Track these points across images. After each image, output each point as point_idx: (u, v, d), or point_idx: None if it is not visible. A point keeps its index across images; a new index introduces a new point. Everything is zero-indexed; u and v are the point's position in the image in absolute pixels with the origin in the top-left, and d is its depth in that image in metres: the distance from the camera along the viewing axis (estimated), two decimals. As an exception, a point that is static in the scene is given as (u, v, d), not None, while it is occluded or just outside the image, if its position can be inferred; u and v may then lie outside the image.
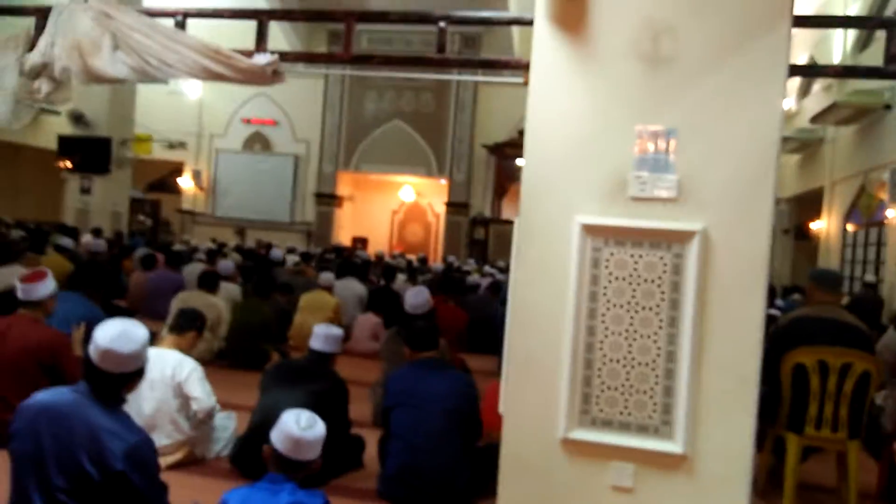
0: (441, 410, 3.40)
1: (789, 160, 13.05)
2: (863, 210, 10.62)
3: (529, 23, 2.62)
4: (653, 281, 2.34)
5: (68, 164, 12.33)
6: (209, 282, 6.42)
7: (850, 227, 11.13)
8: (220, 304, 6.28)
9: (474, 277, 9.99)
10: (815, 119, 10.87)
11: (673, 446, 2.32)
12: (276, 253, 10.59)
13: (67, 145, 12.36)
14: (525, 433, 2.45)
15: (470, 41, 14.79)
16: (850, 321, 3.74)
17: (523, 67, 3.91)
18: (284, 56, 4.59)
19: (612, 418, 2.38)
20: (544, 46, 2.47)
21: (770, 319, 3.63)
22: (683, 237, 2.31)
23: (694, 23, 2.34)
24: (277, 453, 2.46)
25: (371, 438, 3.85)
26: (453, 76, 11.79)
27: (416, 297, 4.88)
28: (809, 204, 12.28)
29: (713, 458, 2.31)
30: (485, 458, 3.34)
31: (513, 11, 9.95)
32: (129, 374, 2.42)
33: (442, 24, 4.57)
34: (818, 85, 11.43)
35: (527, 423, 2.45)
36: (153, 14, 4.75)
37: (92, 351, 2.37)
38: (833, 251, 11.48)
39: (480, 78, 12.19)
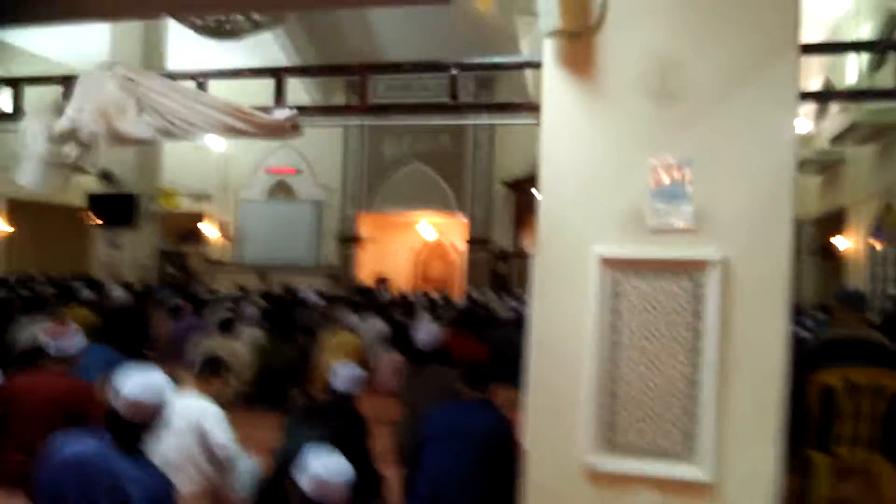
0: (473, 449, 3.36)
1: (812, 182, 12.92)
2: (889, 227, 10.44)
3: (539, 66, 2.65)
4: (674, 311, 2.34)
5: (97, 220, 12.59)
6: (229, 327, 6.51)
7: (876, 245, 10.95)
8: (240, 348, 6.34)
9: (503, 312, 9.92)
10: (835, 140, 10.78)
11: (699, 473, 2.29)
12: (307, 296, 10.69)
13: (96, 202, 12.64)
14: (548, 464, 2.44)
15: (484, 84, 14.93)
16: (875, 339, 3.69)
17: (535, 109, 3.95)
18: (303, 110, 4.71)
19: (637, 447, 2.35)
20: (554, 88, 2.51)
21: (800, 342, 3.57)
22: (703, 266, 2.30)
23: (700, 56, 2.36)
24: (304, 496, 2.45)
25: (391, 475, 3.84)
26: (468, 121, 11.86)
27: (425, 333, 4.90)
28: (834, 224, 12.11)
29: (739, 484, 2.27)
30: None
31: (525, 54, 10.07)
32: (151, 423, 2.45)
33: (454, 71, 4.65)
34: (835, 106, 11.37)
35: (550, 453, 2.44)
36: (175, 77, 4.90)
37: (116, 402, 2.40)
38: (860, 270, 11.27)
39: (495, 121, 12.19)
